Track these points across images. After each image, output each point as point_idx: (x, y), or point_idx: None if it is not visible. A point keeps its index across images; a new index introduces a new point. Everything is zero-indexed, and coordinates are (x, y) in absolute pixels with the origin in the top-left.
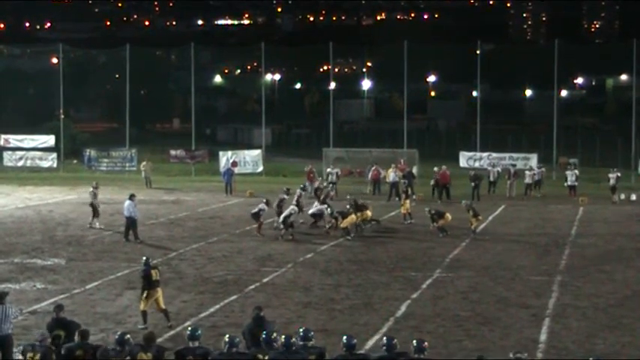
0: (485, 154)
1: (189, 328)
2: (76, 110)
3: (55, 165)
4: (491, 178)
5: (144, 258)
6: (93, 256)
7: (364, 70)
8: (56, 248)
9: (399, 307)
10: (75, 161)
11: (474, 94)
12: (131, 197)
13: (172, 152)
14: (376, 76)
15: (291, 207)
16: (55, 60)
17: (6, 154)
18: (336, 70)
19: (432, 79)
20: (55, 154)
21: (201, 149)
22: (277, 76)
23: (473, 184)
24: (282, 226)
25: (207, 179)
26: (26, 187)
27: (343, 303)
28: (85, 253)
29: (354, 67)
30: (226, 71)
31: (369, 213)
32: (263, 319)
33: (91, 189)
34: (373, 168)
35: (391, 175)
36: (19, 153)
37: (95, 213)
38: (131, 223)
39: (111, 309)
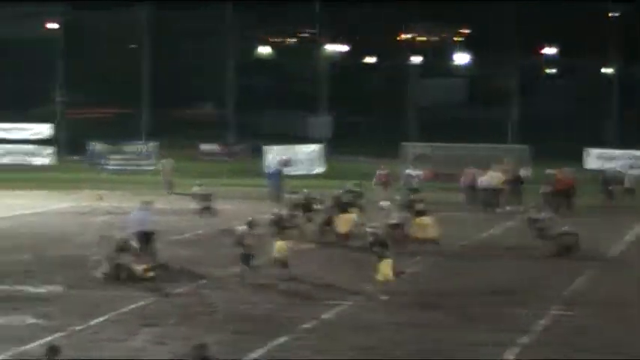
0: (620, 152)
1: None
2: (77, 91)
3: (51, 162)
4: (628, 184)
5: None
6: (98, 282)
7: (457, 39)
8: (51, 272)
9: (501, 354)
10: (76, 157)
11: (607, 70)
12: (144, 205)
13: (203, 147)
14: (473, 47)
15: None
16: (51, 25)
17: None
18: (421, 38)
19: (550, 51)
20: (51, 149)
21: (240, 143)
22: (342, 48)
23: (610, 188)
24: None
25: (249, 183)
26: (13, 191)
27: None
28: (88, 278)
29: (444, 35)
30: (274, 40)
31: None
32: None
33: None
34: (468, 170)
35: (483, 179)
36: (5, 147)
37: None
38: (146, 238)
39: (121, 352)
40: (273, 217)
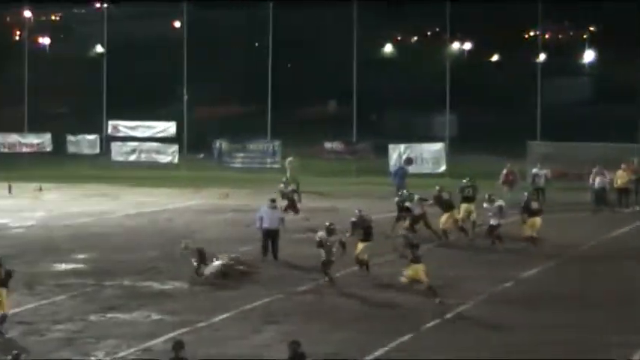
0: None
1: None
2: (202, 90)
3: (175, 160)
4: None
5: None
6: (223, 279)
7: (585, 36)
8: (176, 268)
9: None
10: (201, 156)
11: None
12: (271, 203)
13: (328, 145)
14: (600, 44)
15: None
16: (177, 24)
17: (114, 146)
18: (547, 36)
19: None
20: (176, 147)
21: (363, 142)
22: (467, 46)
23: None
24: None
25: (372, 181)
26: (139, 188)
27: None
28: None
29: (571, 33)
30: (399, 38)
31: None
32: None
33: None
34: (595, 170)
35: (604, 179)
36: (131, 144)
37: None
38: (271, 236)
39: (245, 349)
40: (354, 218)
